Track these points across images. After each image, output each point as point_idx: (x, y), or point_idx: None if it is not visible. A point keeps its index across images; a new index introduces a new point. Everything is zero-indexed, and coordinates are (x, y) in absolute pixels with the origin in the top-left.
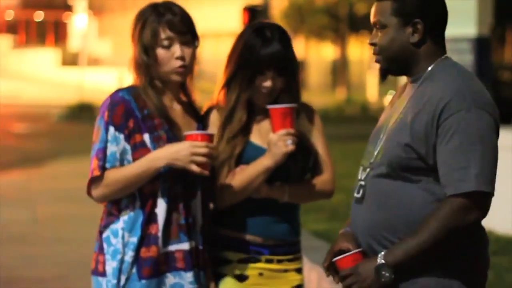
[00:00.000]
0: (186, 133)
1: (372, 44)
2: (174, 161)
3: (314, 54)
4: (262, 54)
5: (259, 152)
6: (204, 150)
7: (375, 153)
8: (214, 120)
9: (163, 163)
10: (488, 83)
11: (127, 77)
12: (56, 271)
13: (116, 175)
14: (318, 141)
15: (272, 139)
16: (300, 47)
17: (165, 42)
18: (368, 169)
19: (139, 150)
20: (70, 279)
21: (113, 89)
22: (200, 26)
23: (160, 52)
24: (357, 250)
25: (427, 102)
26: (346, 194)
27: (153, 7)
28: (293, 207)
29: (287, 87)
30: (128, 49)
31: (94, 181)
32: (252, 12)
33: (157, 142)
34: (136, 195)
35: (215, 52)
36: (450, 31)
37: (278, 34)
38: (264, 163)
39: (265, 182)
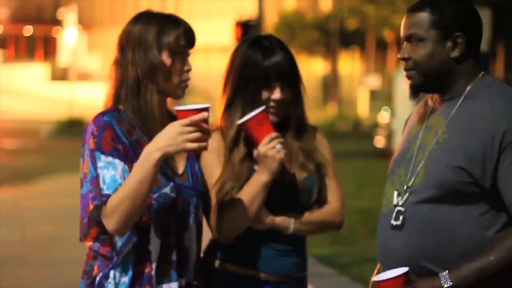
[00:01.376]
0: (175, 108)
1: (404, 59)
2: (168, 148)
3: (305, 69)
4: (266, 65)
5: (274, 186)
6: (191, 128)
7: (410, 176)
8: (214, 147)
9: (158, 155)
10: None
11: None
12: None
13: (117, 196)
14: (326, 165)
15: (259, 151)
16: None
17: (184, 51)
18: (407, 194)
19: None
20: None
21: (102, 104)
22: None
23: (177, 59)
24: (405, 270)
25: (479, 123)
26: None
27: (160, 14)
28: (299, 239)
29: (294, 99)
30: None
31: (90, 220)
32: (245, 27)
33: None
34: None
35: (205, 67)
36: None
37: (278, 43)
38: (260, 179)
39: (270, 212)
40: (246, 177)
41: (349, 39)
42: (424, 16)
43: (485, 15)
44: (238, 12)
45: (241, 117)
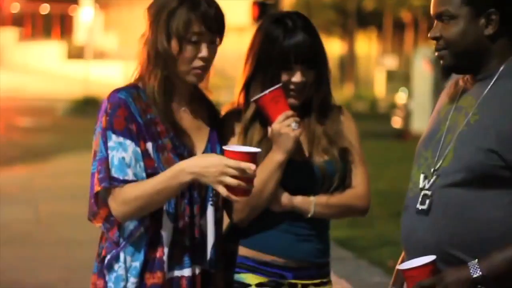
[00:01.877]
0: (224, 148)
1: (435, 38)
2: (200, 178)
3: None
4: (286, 45)
5: (289, 165)
6: (234, 172)
7: (438, 159)
8: (234, 126)
9: (189, 178)
10: None
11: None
12: (58, 274)
13: (135, 191)
14: (351, 150)
15: (274, 129)
16: None
17: (195, 37)
18: (434, 177)
19: (144, 159)
20: (72, 282)
21: (118, 83)
22: None
23: (187, 47)
24: (432, 259)
25: None
26: None
27: None
28: (321, 223)
29: (317, 81)
30: (135, 44)
31: (98, 200)
32: (262, 7)
33: (161, 152)
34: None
35: (222, 47)
36: None
37: (301, 22)
38: (275, 158)
39: (289, 194)
40: (264, 159)
41: (367, 19)
42: None
43: None
44: None
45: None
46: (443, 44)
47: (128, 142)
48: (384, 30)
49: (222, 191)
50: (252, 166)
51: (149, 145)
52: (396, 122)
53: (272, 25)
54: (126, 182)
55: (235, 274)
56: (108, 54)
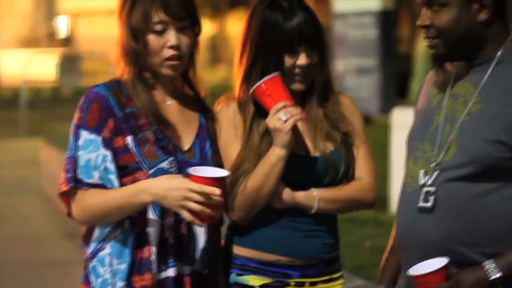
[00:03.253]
0: (189, 171)
1: (425, 26)
2: (162, 201)
3: None
4: (288, 28)
5: (295, 160)
6: (198, 197)
7: (439, 152)
8: (231, 119)
9: (149, 199)
10: (391, 57)
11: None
12: None
13: (95, 200)
14: (354, 135)
15: (268, 125)
16: None
17: (158, 27)
18: (436, 172)
19: (122, 156)
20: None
21: None
22: (92, 3)
23: (152, 38)
24: (446, 262)
25: None
26: None
27: None
28: (327, 217)
29: (320, 62)
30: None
31: (69, 197)
32: None
33: (143, 145)
34: None
35: (91, 31)
36: (354, 5)
37: (296, 2)
38: (273, 153)
39: (290, 189)
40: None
41: (237, 0)
42: None
43: None
44: None
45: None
46: (435, 32)
47: (99, 139)
48: None
49: (186, 215)
50: (217, 191)
51: (129, 139)
52: None
53: (267, 10)
54: (90, 185)
55: (238, 276)
56: None
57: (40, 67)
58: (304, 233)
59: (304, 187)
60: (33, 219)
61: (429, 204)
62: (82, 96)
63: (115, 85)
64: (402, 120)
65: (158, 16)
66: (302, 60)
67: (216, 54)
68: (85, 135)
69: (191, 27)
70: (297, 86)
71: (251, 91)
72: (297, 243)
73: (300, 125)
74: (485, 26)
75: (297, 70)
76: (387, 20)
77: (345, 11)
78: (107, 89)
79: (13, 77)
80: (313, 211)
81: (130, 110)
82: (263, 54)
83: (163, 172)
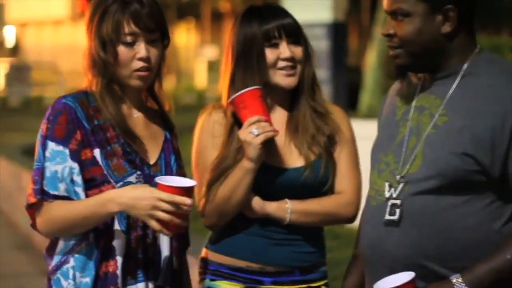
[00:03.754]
0: (157, 180)
1: (388, 35)
2: (130, 209)
3: None
4: (266, 24)
5: (270, 172)
6: (167, 207)
7: (403, 165)
8: (209, 128)
9: (117, 208)
10: (342, 69)
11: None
12: None
13: (61, 211)
14: (342, 148)
15: (239, 136)
16: None
17: (128, 38)
18: (401, 185)
19: (89, 168)
20: None
21: None
22: (40, 13)
23: (121, 49)
24: (413, 276)
25: (485, 103)
26: None
27: None
28: (304, 227)
29: (305, 59)
30: None
31: (34, 209)
32: None
33: (110, 159)
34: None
35: (39, 41)
36: (305, 16)
37: (277, 8)
38: (242, 165)
39: (263, 199)
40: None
41: (185, 10)
42: None
43: None
44: None
45: (244, 88)
46: (398, 42)
47: (67, 151)
48: (203, 20)
49: (154, 225)
50: (187, 200)
51: (97, 152)
52: None
53: (245, 17)
54: (56, 197)
55: (211, 281)
56: None
57: None
58: (275, 241)
59: (279, 198)
60: None
61: (395, 217)
62: (48, 107)
63: (82, 96)
64: (360, 132)
65: (128, 27)
66: (285, 53)
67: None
68: (52, 146)
69: (160, 40)
70: (287, 81)
71: (229, 100)
72: (267, 251)
73: (285, 127)
74: (449, 38)
75: (282, 64)
76: (338, 32)
77: None
78: (74, 100)
79: None
80: (285, 223)
81: (97, 122)
82: (244, 56)
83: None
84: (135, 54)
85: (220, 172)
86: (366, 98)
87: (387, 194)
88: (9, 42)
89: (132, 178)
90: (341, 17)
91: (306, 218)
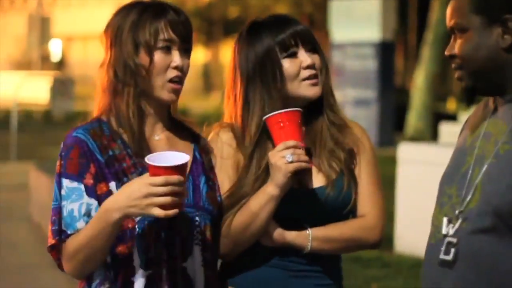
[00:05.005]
0: (146, 160)
1: (451, 56)
2: (129, 210)
3: None
4: (282, 36)
5: (288, 194)
6: (163, 189)
7: (464, 198)
8: (219, 150)
9: (116, 216)
10: (390, 89)
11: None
12: None
13: (74, 243)
14: (363, 165)
15: (269, 158)
16: None
17: (165, 44)
18: (459, 221)
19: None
20: None
21: None
22: (86, 27)
23: (158, 55)
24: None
25: None
26: None
27: (143, 2)
28: (324, 256)
29: (324, 69)
30: None
31: (56, 251)
32: None
33: None
34: (109, 262)
35: (91, 55)
36: (354, 35)
37: (283, 15)
38: (266, 190)
39: (283, 227)
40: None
41: (231, 27)
42: (462, 0)
43: (390, 4)
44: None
45: (263, 107)
46: (459, 62)
47: (82, 187)
48: None
49: (158, 212)
50: (181, 178)
51: (112, 185)
52: None
53: (251, 33)
54: None
55: None
56: None
57: (33, 90)
58: (295, 273)
59: (299, 223)
60: (20, 246)
61: (449, 257)
62: (62, 142)
63: (95, 126)
64: (407, 156)
65: (166, 33)
66: (306, 60)
67: (210, 82)
68: (66, 183)
69: (189, 52)
70: (312, 91)
71: (264, 117)
72: (286, 284)
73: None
74: (510, 52)
75: (305, 73)
76: (386, 51)
77: (344, 41)
78: (85, 132)
79: (5, 99)
80: (306, 251)
81: (112, 153)
82: (260, 71)
83: (150, 220)
84: (170, 63)
85: (235, 200)
86: (413, 120)
87: (444, 231)
88: (55, 56)
89: None
90: (389, 37)
91: (328, 245)
